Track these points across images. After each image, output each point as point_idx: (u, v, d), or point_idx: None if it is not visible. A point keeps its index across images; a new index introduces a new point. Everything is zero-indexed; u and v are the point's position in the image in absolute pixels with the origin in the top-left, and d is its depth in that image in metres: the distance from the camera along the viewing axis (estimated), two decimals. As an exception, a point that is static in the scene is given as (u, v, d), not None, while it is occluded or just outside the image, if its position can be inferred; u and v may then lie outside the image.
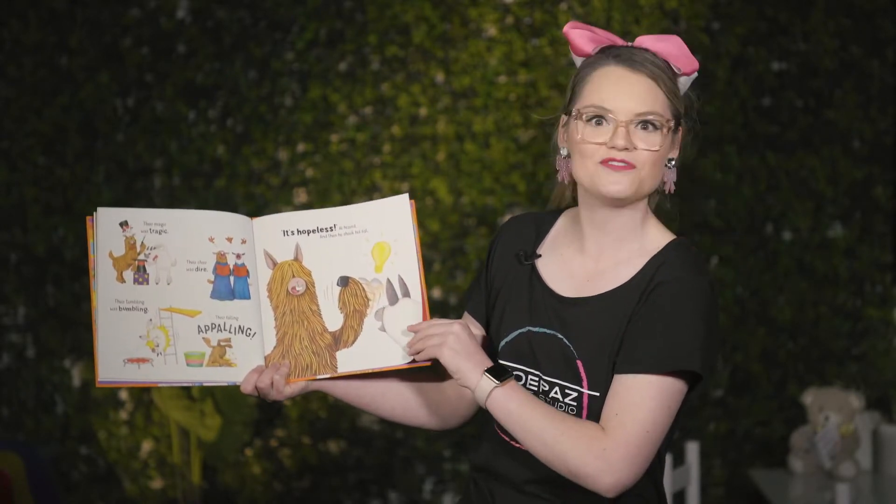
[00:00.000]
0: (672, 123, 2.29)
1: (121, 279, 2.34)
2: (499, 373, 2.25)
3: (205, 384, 2.36)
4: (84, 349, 5.46)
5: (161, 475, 5.46)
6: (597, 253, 2.33)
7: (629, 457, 2.20)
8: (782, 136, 5.33)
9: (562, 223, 2.40)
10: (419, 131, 5.37)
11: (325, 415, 5.42)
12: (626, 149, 2.26)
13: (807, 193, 5.33)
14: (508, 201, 5.36)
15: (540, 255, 2.37)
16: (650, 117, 2.27)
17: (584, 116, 2.29)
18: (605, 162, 2.27)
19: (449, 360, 2.25)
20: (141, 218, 2.38)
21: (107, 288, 2.33)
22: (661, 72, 2.29)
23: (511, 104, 5.35)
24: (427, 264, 5.37)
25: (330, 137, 5.39)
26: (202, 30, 5.41)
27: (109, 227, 2.36)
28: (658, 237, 2.32)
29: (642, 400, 2.20)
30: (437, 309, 5.36)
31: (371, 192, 5.38)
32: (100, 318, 2.31)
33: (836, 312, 5.33)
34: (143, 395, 5.46)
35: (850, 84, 5.32)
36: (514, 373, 2.32)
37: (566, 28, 2.35)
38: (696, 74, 2.35)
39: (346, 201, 5.37)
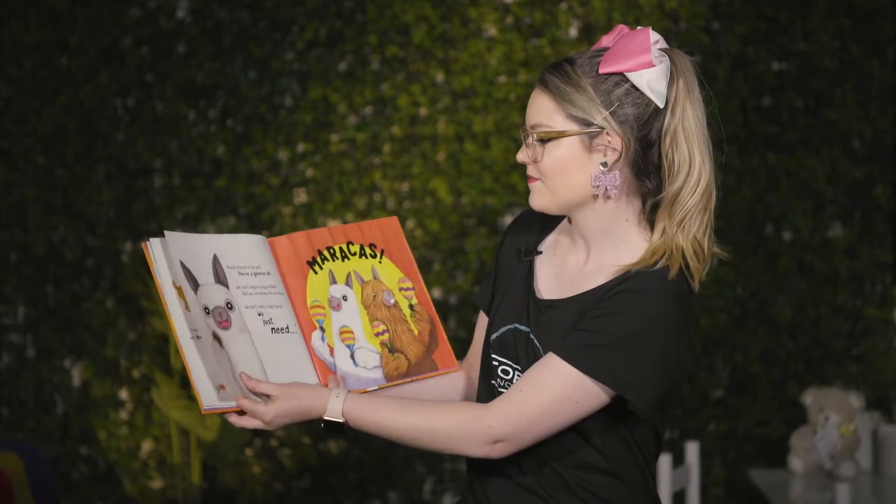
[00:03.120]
0: (572, 129, 2.24)
1: (188, 309, 2.28)
2: (331, 416, 2.25)
3: None
4: (84, 349, 5.46)
5: (161, 475, 5.46)
6: (585, 255, 2.32)
7: (516, 431, 2.20)
8: (782, 136, 5.33)
9: (566, 223, 2.39)
10: (419, 131, 5.37)
11: (325, 415, 5.42)
12: (527, 162, 2.28)
13: (807, 193, 5.33)
14: (508, 201, 5.36)
15: (541, 252, 2.37)
16: (537, 129, 2.26)
17: None
18: None
19: (285, 426, 2.28)
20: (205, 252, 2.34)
21: (179, 317, 2.27)
22: (558, 79, 2.24)
23: (511, 104, 5.35)
24: (427, 264, 5.38)
25: (330, 137, 5.39)
26: (202, 30, 5.41)
27: (170, 260, 2.30)
28: (642, 246, 2.27)
29: (554, 385, 2.18)
30: (438, 309, 5.35)
31: (371, 192, 5.38)
32: (185, 348, 2.25)
33: (836, 312, 5.33)
34: (143, 395, 5.46)
35: (850, 84, 5.32)
36: (502, 367, 2.32)
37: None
38: (653, 68, 2.21)
39: (346, 201, 5.37)
